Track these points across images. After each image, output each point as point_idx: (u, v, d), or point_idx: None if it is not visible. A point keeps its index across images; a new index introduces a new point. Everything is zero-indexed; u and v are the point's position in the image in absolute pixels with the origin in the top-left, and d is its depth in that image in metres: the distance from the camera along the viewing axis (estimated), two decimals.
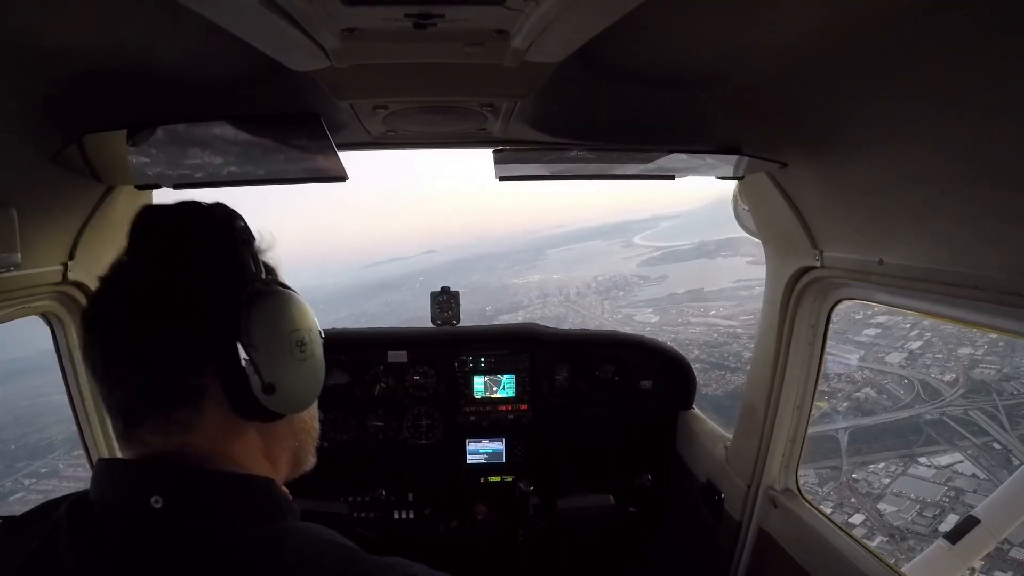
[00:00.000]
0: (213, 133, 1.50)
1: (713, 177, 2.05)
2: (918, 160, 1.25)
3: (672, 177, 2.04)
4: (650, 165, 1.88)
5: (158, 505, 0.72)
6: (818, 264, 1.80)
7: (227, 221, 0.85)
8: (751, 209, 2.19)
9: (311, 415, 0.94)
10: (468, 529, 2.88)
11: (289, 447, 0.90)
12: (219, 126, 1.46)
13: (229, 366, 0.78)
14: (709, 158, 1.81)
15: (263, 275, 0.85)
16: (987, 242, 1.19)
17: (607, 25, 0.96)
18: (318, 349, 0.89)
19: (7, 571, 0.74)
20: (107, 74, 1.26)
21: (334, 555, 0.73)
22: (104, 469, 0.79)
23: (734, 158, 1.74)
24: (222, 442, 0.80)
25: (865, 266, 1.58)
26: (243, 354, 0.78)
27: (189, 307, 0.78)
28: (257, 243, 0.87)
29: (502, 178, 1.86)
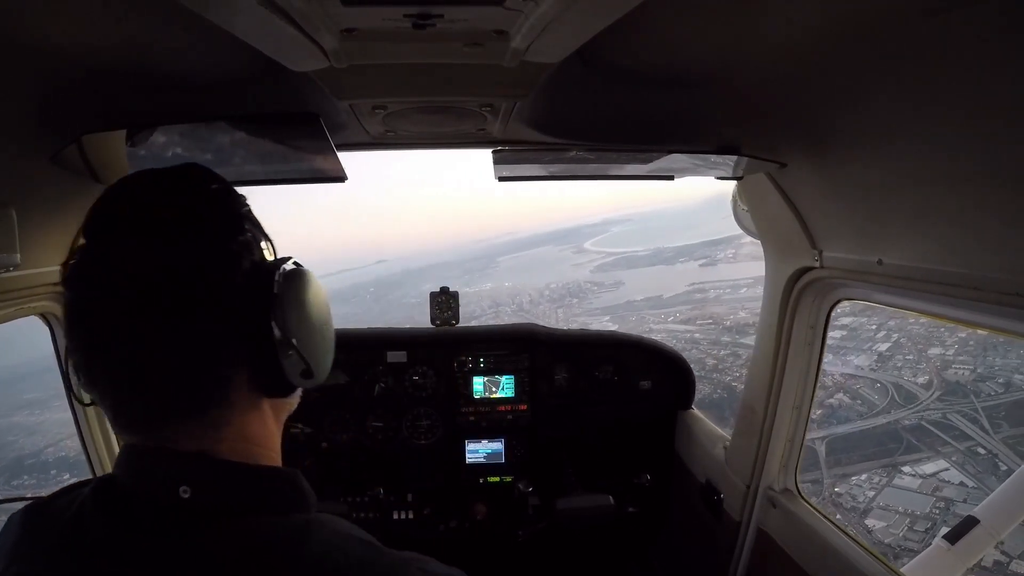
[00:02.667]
0: (212, 133, 1.50)
1: (712, 177, 2.05)
2: (917, 160, 1.25)
3: (671, 177, 2.04)
4: (649, 165, 1.87)
5: (186, 495, 0.71)
6: (817, 264, 1.80)
7: (228, 189, 0.81)
8: (750, 209, 2.19)
9: None
10: (467, 529, 2.88)
11: (285, 413, 0.90)
12: (218, 126, 1.46)
13: (263, 352, 0.76)
14: (708, 158, 1.81)
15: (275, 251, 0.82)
16: (986, 242, 1.19)
17: (606, 25, 0.96)
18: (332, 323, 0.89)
19: (40, 548, 0.73)
20: (106, 74, 1.26)
21: (357, 548, 0.74)
22: (132, 455, 0.76)
23: (733, 158, 1.74)
24: (246, 427, 0.79)
25: (864, 266, 1.58)
26: (279, 337, 0.76)
27: (208, 292, 0.72)
28: None
29: (501, 178, 1.86)
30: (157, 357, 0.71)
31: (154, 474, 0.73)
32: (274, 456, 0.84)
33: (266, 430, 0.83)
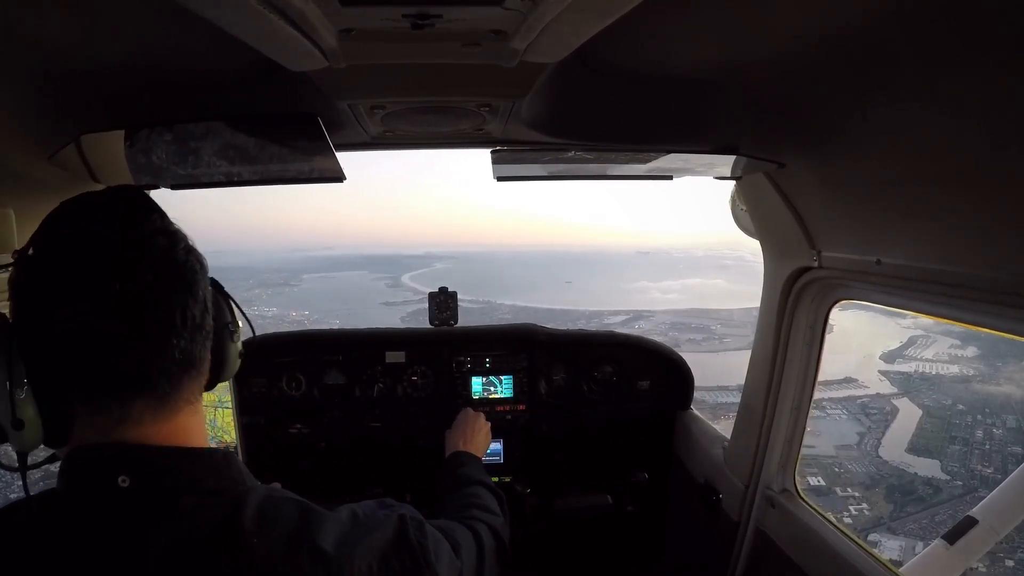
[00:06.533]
0: (211, 133, 1.50)
1: (711, 177, 2.05)
2: (916, 160, 1.25)
3: (670, 177, 2.03)
4: (648, 165, 1.87)
5: (125, 484, 0.74)
6: (816, 264, 1.80)
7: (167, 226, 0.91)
8: (749, 209, 2.19)
9: None
10: None
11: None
12: (217, 126, 1.46)
13: (222, 341, 0.93)
14: (707, 158, 1.81)
15: None
16: (985, 242, 1.19)
17: (605, 25, 0.96)
18: None
19: None
20: (104, 74, 1.26)
21: (291, 509, 0.82)
22: (72, 460, 0.79)
23: (732, 158, 1.74)
24: (189, 415, 0.85)
25: (863, 266, 1.58)
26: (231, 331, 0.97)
27: (194, 283, 0.83)
28: None
29: (500, 178, 1.86)
30: (155, 329, 0.78)
31: (93, 469, 0.76)
32: (205, 444, 0.89)
33: (199, 422, 0.89)
